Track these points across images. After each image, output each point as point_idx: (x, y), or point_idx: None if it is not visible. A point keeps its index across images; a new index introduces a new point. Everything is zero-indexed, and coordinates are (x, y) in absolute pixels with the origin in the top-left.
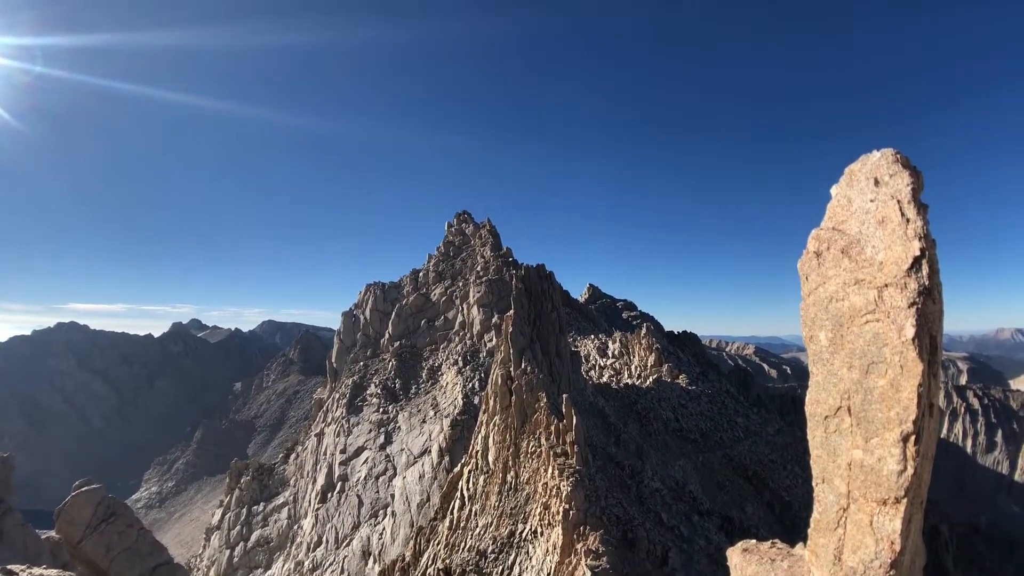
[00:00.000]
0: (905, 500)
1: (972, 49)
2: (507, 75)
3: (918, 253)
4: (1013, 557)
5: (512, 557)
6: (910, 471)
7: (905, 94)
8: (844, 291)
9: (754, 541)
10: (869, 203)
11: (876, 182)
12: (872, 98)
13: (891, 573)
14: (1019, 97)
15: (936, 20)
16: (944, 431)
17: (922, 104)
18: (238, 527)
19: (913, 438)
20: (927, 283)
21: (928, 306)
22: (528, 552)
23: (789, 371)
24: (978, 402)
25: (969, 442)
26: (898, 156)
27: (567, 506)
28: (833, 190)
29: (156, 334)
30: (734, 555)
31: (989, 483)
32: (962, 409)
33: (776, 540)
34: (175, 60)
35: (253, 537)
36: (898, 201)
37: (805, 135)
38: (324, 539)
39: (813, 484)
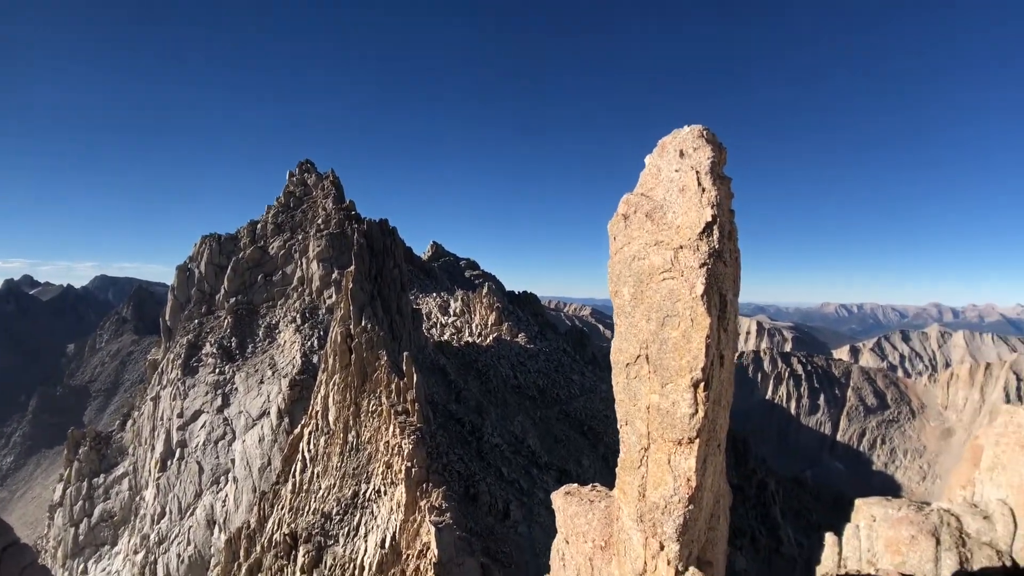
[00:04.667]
0: (698, 440)
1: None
2: (354, 21)
3: (710, 219)
4: (837, 510)
5: (357, 517)
6: (701, 414)
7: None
8: (646, 251)
9: (576, 485)
10: (674, 173)
11: (681, 154)
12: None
13: (689, 508)
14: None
15: None
16: (769, 393)
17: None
18: (80, 502)
19: (703, 384)
20: (717, 247)
21: (718, 267)
22: (373, 512)
23: None
24: (802, 368)
25: (793, 404)
26: (704, 132)
27: (409, 464)
28: (647, 159)
29: None
30: (557, 498)
31: (813, 442)
32: (787, 374)
33: (597, 484)
34: None
35: (96, 512)
36: (697, 172)
37: (651, 105)
38: (167, 510)
39: (618, 427)
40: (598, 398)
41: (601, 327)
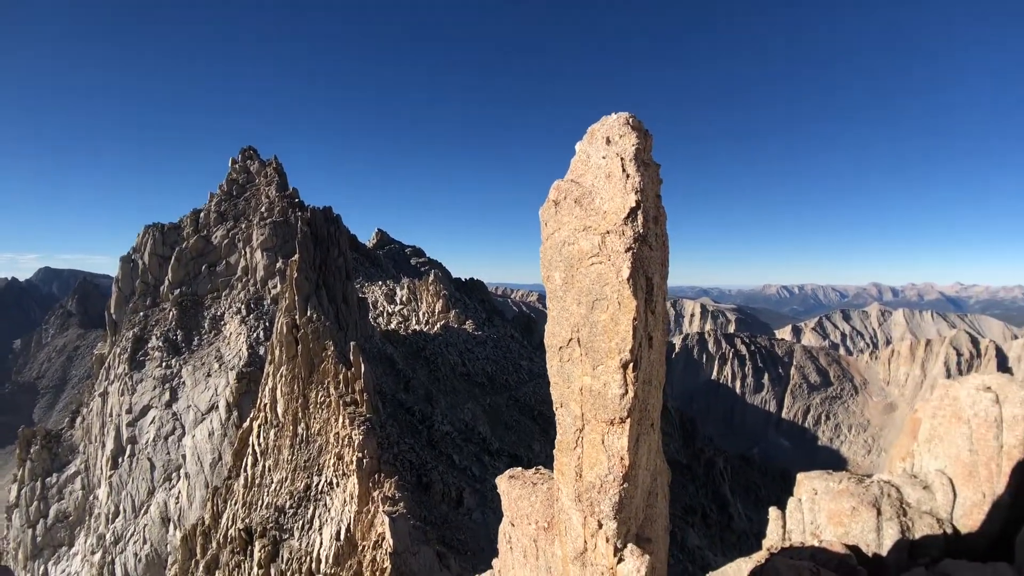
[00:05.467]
0: (629, 420)
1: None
2: (299, 8)
3: (634, 205)
4: (785, 485)
5: (311, 510)
6: (631, 394)
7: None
8: (575, 236)
9: (520, 468)
10: (601, 159)
11: (608, 141)
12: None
13: (624, 487)
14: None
15: None
16: (714, 374)
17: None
18: (35, 503)
19: (631, 365)
20: (642, 231)
21: (644, 251)
22: (326, 504)
23: None
24: (745, 348)
25: (738, 384)
26: (630, 119)
27: (360, 455)
28: (577, 146)
29: None
30: (502, 482)
31: (759, 420)
32: (731, 355)
33: (540, 467)
34: None
35: (51, 512)
36: (622, 159)
37: (571, 97)
38: (121, 508)
39: (554, 409)
40: (547, 383)
41: None
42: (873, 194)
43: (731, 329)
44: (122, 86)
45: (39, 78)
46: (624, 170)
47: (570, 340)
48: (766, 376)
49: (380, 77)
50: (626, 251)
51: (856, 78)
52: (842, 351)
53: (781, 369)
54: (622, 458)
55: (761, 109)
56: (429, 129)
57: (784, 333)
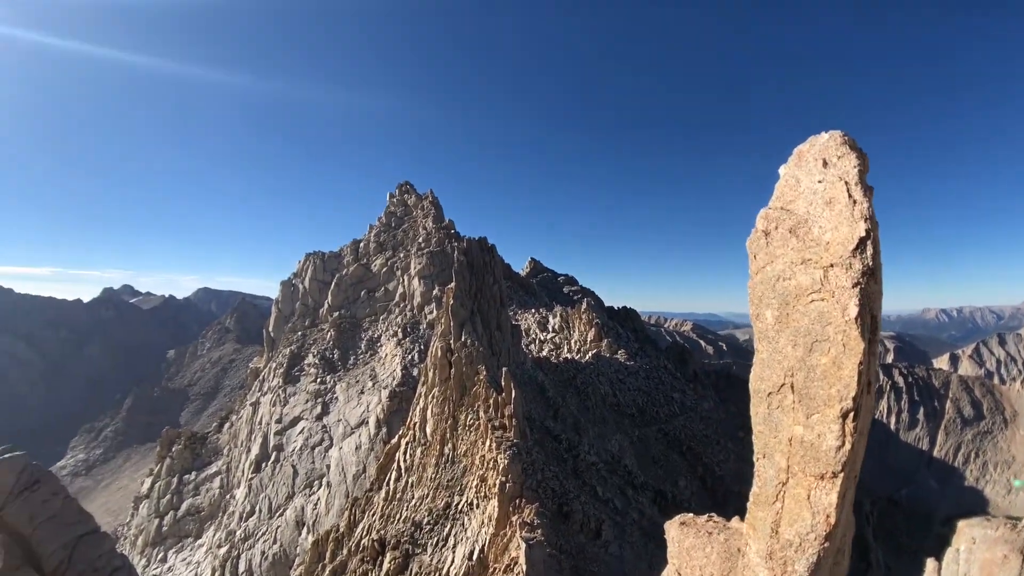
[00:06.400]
0: (842, 475)
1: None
2: (454, 46)
3: (864, 234)
4: (930, 530)
5: (447, 528)
6: (848, 447)
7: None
8: (791, 270)
9: (691, 515)
10: (817, 184)
11: (824, 163)
12: (800, 79)
13: (825, 545)
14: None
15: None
16: None
17: (850, 84)
18: (168, 496)
19: (852, 415)
20: (871, 264)
21: (871, 286)
22: (463, 524)
23: (725, 348)
24: (903, 380)
25: (893, 419)
26: (846, 138)
27: (504, 479)
28: (782, 170)
29: (86, 299)
30: (672, 528)
31: (910, 459)
32: (888, 387)
33: (713, 514)
34: (109, 16)
35: (183, 506)
36: (846, 183)
37: (739, 119)
38: (257, 509)
39: (754, 459)
40: (698, 417)
41: (703, 343)
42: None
43: (889, 359)
44: (284, 139)
45: (199, 113)
46: (850, 195)
47: (782, 385)
48: (921, 411)
49: (533, 112)
50: (853, 286)
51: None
52: (996, 380)
53: (937, 402)
54: (828, 516)
55: (923, 126)
56: (581, 162)
57: (942, 362)
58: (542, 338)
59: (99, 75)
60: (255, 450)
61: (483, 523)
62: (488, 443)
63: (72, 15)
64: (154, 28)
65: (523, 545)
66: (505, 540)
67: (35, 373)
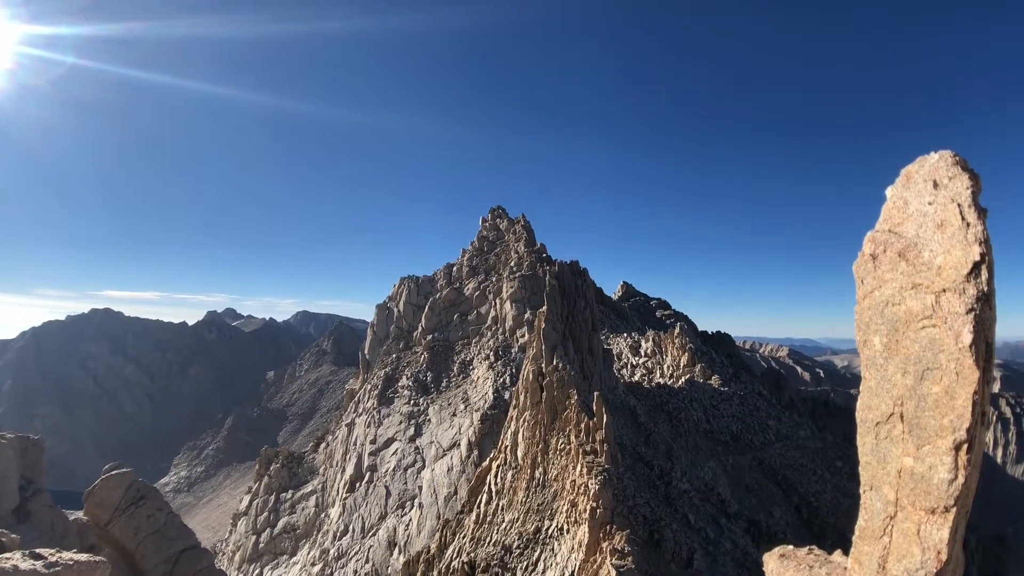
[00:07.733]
0: (954, 509)
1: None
2: (543, 71)
3: (978, 258)
4: None
5: (537, 553)
6: (960, 480)
7: (942, 91)
8: (900, 295)
9: (791, 547)
10: (927, 206)
11: (935, 185)
12: (911, 97)
13: None
14: None
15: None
16: None
17: (958, 101)
18: (265, 513)
19: (966, 447)
20: (986, 289)
21: (985, 312)
22: (553, 549)
23: (822, 374)
24: (1010, 411)
25: (1000, 451)
26: (957, 158)
27: (594, 504)
28: (888, 191)
29: (190, 322)
30: (771, 560)
31: (1017, 494)
32: (994, 418)
33: (813, 547)
34: (207, 50)
35: (280, 524)
36: (958, 204)
37: (842, 136)
38: (351, 528)
39: (861, 491)
40: (794, 446)
41: (799, 369)
42: None
43: (996, 388)
44: (379, 166)
45: (299, 142)
46: (963, 217)
47: (890, 415)
48: None
49: (624, 139)
50: (967, 312)
51: None
52: None
53: None
54: (939, 552)
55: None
56: (674, 186)
57: None
58: (634, 363)
59: (199, 107)
60: (349, 470)
61: (573, 549)
62: (579, 468)
63: (167, 50)
64: (250, 61)
65: (613, 572)
66: (595, 567)
67: (142, 393)
